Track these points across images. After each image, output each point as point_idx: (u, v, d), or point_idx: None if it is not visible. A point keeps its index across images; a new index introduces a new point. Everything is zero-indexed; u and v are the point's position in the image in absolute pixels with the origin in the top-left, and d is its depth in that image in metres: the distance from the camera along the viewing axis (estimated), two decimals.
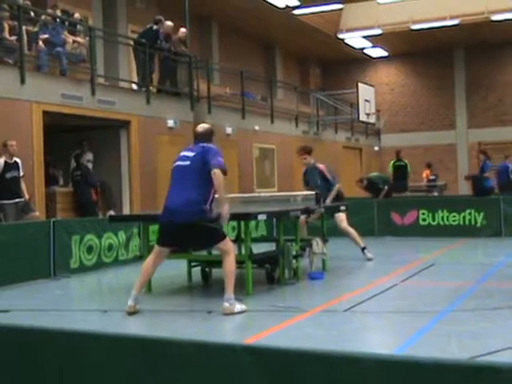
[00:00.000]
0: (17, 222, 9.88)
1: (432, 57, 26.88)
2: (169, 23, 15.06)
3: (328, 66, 28.63)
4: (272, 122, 18.88)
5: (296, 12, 20.95)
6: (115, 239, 10.63)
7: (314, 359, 2.09)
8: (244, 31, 23.03)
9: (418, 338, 5.33)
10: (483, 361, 2.05)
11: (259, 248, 8.63)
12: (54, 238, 9.49)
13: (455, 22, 22.09)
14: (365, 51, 26.45)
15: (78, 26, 14.05)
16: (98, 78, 13.98)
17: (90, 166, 13.28)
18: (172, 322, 6.32)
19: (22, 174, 10.48)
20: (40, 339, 2.60)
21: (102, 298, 8.17)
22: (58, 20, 13.02)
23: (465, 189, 22.06)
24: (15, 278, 8.75)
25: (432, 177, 21.96)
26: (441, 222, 13.93)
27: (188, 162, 6.58)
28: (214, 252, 7.47)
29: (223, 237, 6.63)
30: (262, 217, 8.02)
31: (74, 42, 13.34)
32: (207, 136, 6.83)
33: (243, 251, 8.06)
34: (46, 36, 12.38)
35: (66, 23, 13.47)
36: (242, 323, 6.27)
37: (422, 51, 26.49)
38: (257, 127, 18.01)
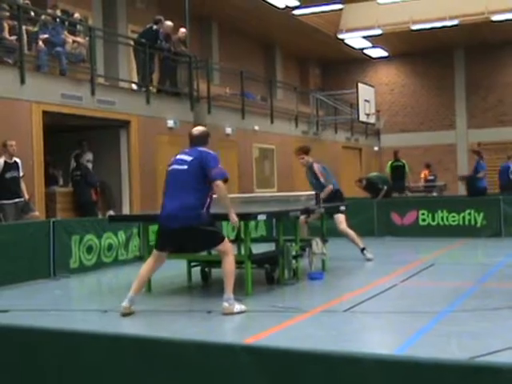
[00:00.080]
0: (16, 222, 9.87)
1: (432, 57, 26.89)
2: (169, 23, 15.06)
3: (328, 66, 28.64)
4: (272, 122, 18.89)
5: (296, 12, 20.96)
6: (115, 239, 10.62)
7: (313, 359, 2.09)
8: (244, 31, 23.03)
9: (417, 338, 5.33)
10: (483, 361, 2.05)
11: (259, 248, 8.63)
12: (54, 238, 9.48)
13: (455, 22, 22.10)
14: (365, 51, 26.46)
15: (78, 26, 14.06)
16: (98, 77, 13.98)
17: (90, 166, 13.28)
18: (172, 322, 6.32)
19: (21, 174, 10.48)
20: (40, 339, 2.60)
21: (101, 298, 8.16)
22: (57, 20, 13.02)
23: (463, 189, 22.07)
24: (15, 278, 8.74)
25: (430, 177, 21.94)
26: (440, 223, 13.92)
27: (185, 167, 6.55)
28: (214, 252, 7.48)
29: (222, 239, 6.66)
30: (261, 217, 8.02)
31: (73, 41, 13.34)
32: (203, 139, 6.82)
33: (243, 251, 8.06)
34: (45, 36, 12.38)
35: (66, 23, 13.47)
36: (242, 323, 6.26)
37: (421, 51, 26.50)
38: (256, 127, 18.01)
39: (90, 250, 10.11)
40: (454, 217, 13.83)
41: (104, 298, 8.23)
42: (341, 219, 10.39)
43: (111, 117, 13.22)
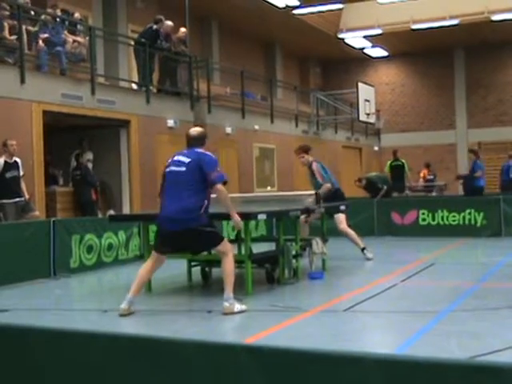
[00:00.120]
0: (17, 222, 9.87)
1: (432, 56, 26.88)
2: (169, 23, 15.06)
3: (328, 65, 28.64)
4: (272, 121, 18.89)
5: (296, 12, 20.96)
6: (115, 239, 10.62)
7: (313, 359, 2.09)
8: (244, 31, 23.03)
9: (417, 338, 5.33)
10: (483, 360, 2.05)
11: (259, 248, 8.64)
12: (54, 238, 9.49)
13: (455, 21, 22.10)
14: (365, 51, 26.46)
15: (78, 26, 14.05)
16: (98, 77, 13.98)
17: (90, 165, 13.28)
18: (172, 322, 6.32)
19: (21, 173, 10.48)
20: (40, 339, 2.60)
21: (101, 298, 8.16)
22: (57, 19, 13.02)
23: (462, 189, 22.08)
24: (15, 278, 8.74)
25: (430, 176, 21.93)
26: (441, 222, 13.92)
27: (183, 168, 6.54)
28: (214, 252, 7.48)
29: (221, 239, 6.68)
30: (261, 216, 8.01)
31: (74, 41, 13.34)
32: (200, 140, 6.80)
33: (243, 251, 8.06)
34: (46, 35, 12.38)
35: (66, 23, 13.47)
36: (242, 323, 6.27)
37: (422, 51, 26.50)
38: (257, 127, 18.01)
39: (90, 249, 10.11)
40: (454, 216, 13.82)
41: (104, 297, 8.23)
42: (341, 219, 10.39)
43: (111, 116, 13.22)
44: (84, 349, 2.48)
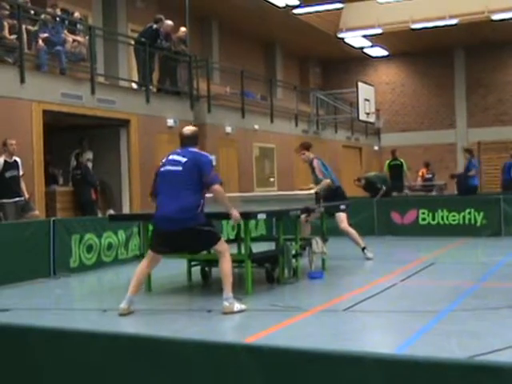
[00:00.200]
0: (17, 221, 9.87)
1: (432, 56, 26.88)
2: (169, 22, 15.06)
3: (328, 65, 28.64)
4: (272, 121, 18.88)
5: (296, 11, 20.95)
6: (115, 238, 10.62)
7: (313, 358, 2.08)
8: (244, 30, 23.02)
9: (417, 338, 5.33)
10: (483, 360, 2.04)
11: (259, 247, 8.63)
12: (54, 237, 9.49)
13: (455, 21, 22.09)
14: (365, 50, 26.45)
15: (78, 25, 14.05)
16: (98, 77, 13.98)
17: (90, 165, 13.28)
18: (172, 322, 6.32)
19: (21, 173, 10.48)
20: (40, 338, 2.60)
21: (101, 298, 8.16)
22: (57, 19, 13.02)
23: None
24: (15, 277, 8.74)
25: (428, 175, 21.91)
26: (441, 222, 13.92)
27: (179, 168, 6.53)
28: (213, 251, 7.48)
29: (218, 238, 6.69)
30: (261, 216, 8.01)
31: (73, 40, 13.33)
32: (194, 139, 6.81)
33: (243, 250, 8.06)
34: (45, 35, 12.38)
35: (66, 22, 13.46)
36: (242, 322, 6.27)
37: (422, 50, 26.49)
38: (256, 126, 18.01)
39: (90, 249, 10.11)
40: (454, 216, 13.82)
41: (104, 297, 8.23)
42: (342, 218, 10.39)
43: (111, 116, 13.22)
44: (84, 348, 2.48)
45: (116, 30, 17.07)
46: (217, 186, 6.53)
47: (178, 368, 2.30)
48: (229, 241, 9.98)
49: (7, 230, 9.00)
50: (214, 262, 8.00)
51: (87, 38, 13.55)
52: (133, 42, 15.38)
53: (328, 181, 10.22)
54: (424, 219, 14.05)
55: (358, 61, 27.74)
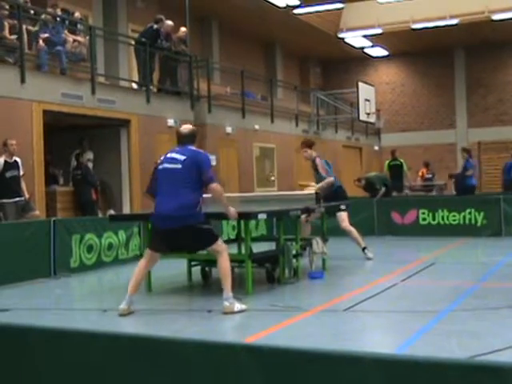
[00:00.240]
0: (17, 222, 9.88)
1: (432, 56, 26.88)
2: (169, 22, 15.06)
3: (328, 65, 28.64)
4: (272, 121, 18.88)
5: (296, 11, 20.95)
6: (115, 238, 10.62)
7: (313, 358, 2.08)
8: (244, 30, 23.03)
9: (417, 338, 5.33)
10: (483, 360, 2.04)
11: (259, 247, 8.63)
12: (55, 237, 9.49)
13: (455, 21, 22.10)
14: (365, 50, 26.46)
15: (79, 25, 14.05)
16: (99, 77, 13.98)
17: (91, 165, 13.29)
18: (172, 322, 6.32)
19: (22, 173, 10.48)
20: (40, 338, 2.60)
21: (102, 298, 8.16)
22: (58, 19, 13.02)
23: None
24: (15, 277, 8.74)
25: (428, 175, 21.92)
26: (441, 222, 13.92)
27: (179, 166, 6.51)
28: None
29: (216, 238, 6.68)
30: (262, 216, 8.01)
31: (74, 41, 13.33)
32: (192, 137, 6.82)
33: (243, 250, 8.06)
34: (46, 35, 12.38)
35: (67, 22, 13.47)
36: (242, 322, 6.27)
37: (422, 50, 26.50)
38: (257, 126, 18.01)
39: (90, 249, 10.11)
40: (454, 216, 13.82)
41: (104, 297, 8.23)
42: (343, 217, 10.38)
43: (111, 116, 13.22)
44: (84, 349, 2.48)
45: (116, 30, 17.07)
46: (215, 185, 6.55)
47: (178, 368, 2.30)
48: (229, 241, 10.00)
49: (7, 230, 9.00)
50: (214, 262, 8.01)
51: (87, 38, 13.55)
52: (133, 42, 15.39)
53: (332, 179, 10.23)
54: (424, 219, 14.05)
55: (358, 61, 27.74)
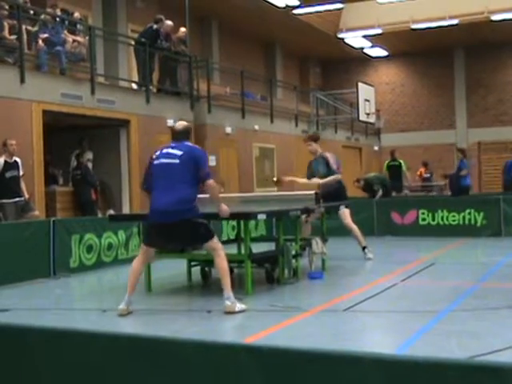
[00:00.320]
0: (17, 222, 9.87)
1: (432, 56, 26.89)
2: (169, 22, 15.06)
3: (328, 65, 28.64)
4: (272, 121, 18.89)
5: (296, 11, 20.95)
6: (115, 238, 10.62)
7: (313, 359, 2.08)
8: (244, 31, 23.03)
9: (417, 338, 5.33)
10: (483, 360, 2.04)
11: (259, 247, 8.63)
12: (54, 238, 9.48)
13: (455, 21, 22.11)
14: (365, 51, 26.46)
15: (78, 25, 14.05)
16: (98, 77, 13.98)
17: (90, 165, 13.29)
18: (171, 322, 6.32)
19: (21, 173, 10.48)
20: (39, 338, 2.60)
21: (101, 298, 8.16)
22: (57, 19, 13.02)
23: None
24: (15, 277, 8.74)
25: (426, 175, 21.92)
26: (440, 222, 13.92)
27: (176, 161, 6.49)
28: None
29: (212, 234, 6.65)
30: (261, 216, 8.01)
31: (73, 41, 13.33)
32: (187, 134, 6.85)
33: (243, 251, 8.06)
34: (45, 35, 12.38)
35: (66, 22, 13.47)
36: (242, 322, 6.26)
37: (422, 51, 26.50)
38: (256, 127, 18.01)
39: (90, 249, 10.11)
40: (454, 216, 13.82)
41: (104, 297, 8.23)
42: (346, 214, 10.38)
43: (111, 116, 13.22)
44: (84, 349, 2.48)
45: (116, 31, 17.07)
46: (212, 181, 6.55)
47: (178, 368, 2.30)
48: (229, 241, 10.00)
49: (7, 230, 9.00)
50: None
51: (87, 38, 13.55)
52: (133, 43, 15.39)
53: (339, 175, 10.23)
54: (424, 219, 14.05)
55: (358, 61, 27.74)
